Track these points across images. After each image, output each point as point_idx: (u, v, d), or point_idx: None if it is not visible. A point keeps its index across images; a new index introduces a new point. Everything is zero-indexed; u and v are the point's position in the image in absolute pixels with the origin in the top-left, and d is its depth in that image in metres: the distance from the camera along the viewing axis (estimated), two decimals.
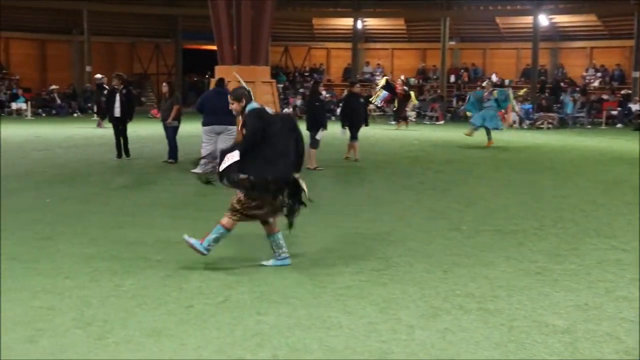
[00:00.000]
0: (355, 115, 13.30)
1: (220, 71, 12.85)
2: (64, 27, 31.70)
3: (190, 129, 15.07)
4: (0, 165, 11.30)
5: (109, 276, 5.25)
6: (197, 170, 11.29)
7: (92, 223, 7.23)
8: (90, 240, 6.42)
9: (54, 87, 28.71)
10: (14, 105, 26.85)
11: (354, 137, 13.38)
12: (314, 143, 12.05)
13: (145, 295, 4.81)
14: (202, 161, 11.34)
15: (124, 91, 13.06)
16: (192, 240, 5.57)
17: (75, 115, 27.82)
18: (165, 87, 12.98)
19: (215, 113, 11.58)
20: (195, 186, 10.00)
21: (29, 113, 26.03)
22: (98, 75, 21.73)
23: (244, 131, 5.68)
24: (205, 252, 5.56)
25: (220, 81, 11.85)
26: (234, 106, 5.82)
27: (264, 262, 5.69)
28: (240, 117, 5.92)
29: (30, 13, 30.12)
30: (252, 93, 6.01)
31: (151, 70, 34.11)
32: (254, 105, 5.83)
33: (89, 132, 19.18)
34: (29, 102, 26.63)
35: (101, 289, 4.94)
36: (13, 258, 5.71)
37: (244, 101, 5.79)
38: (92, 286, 5.00)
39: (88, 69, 30.10)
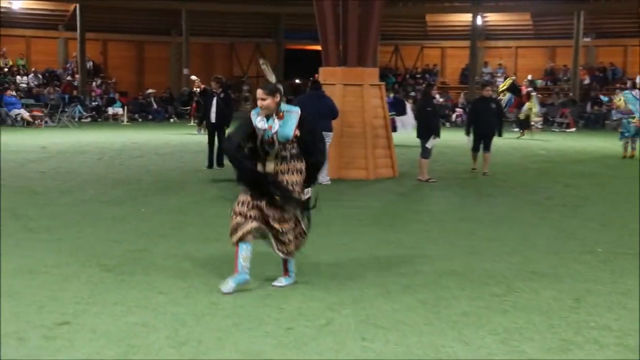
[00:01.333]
0: (484, 123, 12.80)
1: (324, 73, 13.01)
2: (163, 27, 33.14)
3: None
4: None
5: (205, 293, 5.41)
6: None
7: (188, 235, 7.48)
8: (185, 254, 6.64)
9: (150, 90, 30.04)
10: (110, 110, 28.30)
11: (485, 147, 12.92)
12: (425, 152, 11.94)
13: (242, 315, 4.91)
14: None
15: (222, 95, 13.29)
16: (284, 282, 5.66)
17: (171, 120, 28.99)
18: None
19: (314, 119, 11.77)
20: None
21: (125, 118, 27.36)
22: (193, 77, 22.39)
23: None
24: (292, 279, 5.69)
25: (316, 83, 12.01)
26: (267, 102, 5.36)
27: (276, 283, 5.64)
28: (275, 117, 5.40)
29: (129, 13, 31.70)
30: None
31: (251, 73, 35.02)
32: (290, 106, 5.54)
33: (185, 138, 19.91)
34: (125, 107, 27.97)
35: (196, 306, 5.09)
36: (108, 270, 5.99)
37: (279, 97, 5.41)
38: (187, 303, 5.16)
39: (185, 71, 31.27)
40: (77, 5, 29.69)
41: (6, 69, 29.54)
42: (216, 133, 13.07)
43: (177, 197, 10.10)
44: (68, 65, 31.63)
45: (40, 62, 31.10)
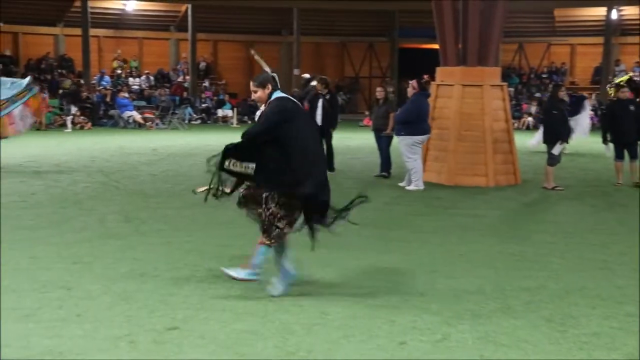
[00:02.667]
0: (623, 128, 12.07)
1: (441, 73, 12.90)
2: (273, 27, 33.84)
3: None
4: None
5: (314, 302, 5.48)
6: (411, 187, 11.50)
7: (297, 242, 7.59)
8: (295, 262, 6.74)
9: None
10: (220, 112, 29.15)
11: (632, 155, 12.24)
12: (552, 159, 11.60)
13: (352, 326, 4.94)
14: (415, 176, 11.56)
15: (327, 96, 13.41)
16: (243, 274, 5.70)
17: None
18: (380, 92, 13.23)
19: (425, 120, 11.77)
20: (411, 205, 10.15)
21: (234, 120, 28.09)
22: (306, 75, 22.52)
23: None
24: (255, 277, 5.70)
25: (425, 84, 11.97)
26: (258, 94, 5.70)
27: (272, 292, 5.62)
28: (263, 107, 5.84)
29: (239, 13, 32.56)
30: (277, 79, 5.79)
31: (363, 73, 35.16)
32: (279, 94, 5.71)
33: None
34: (235, 109, 28.73)
35: (306, 315, 5.17)
36: (217, 275, 6.18)
37: (270, 88, 5.68)
38: (297, 311, 5.25)
39: (296, 71, 31.78)
40: (189, 5, 30.79)
41: (119, 71, 31.00)
42: (323, 136, 13.24)
43: None
44: (178, 67, 32.82)
45: (152, 63, 32.44)
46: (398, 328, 4.93)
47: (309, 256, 6.93)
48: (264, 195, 5.54)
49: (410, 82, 12.28)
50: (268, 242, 5.64)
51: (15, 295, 5.54)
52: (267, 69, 5.84)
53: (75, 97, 26.21)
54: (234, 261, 6.67)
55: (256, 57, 6.03)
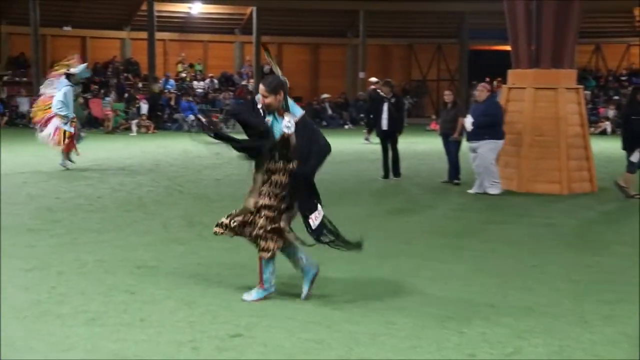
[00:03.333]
0: None
1: (513, 76, 12.70)
2: (339, 29, 33.91)
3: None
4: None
5: (381, 311, 5.45)
6: (493, 190, 11.38)
7: (364, 249, 7.57)
8: (362, 268, 6.73)
9: (325, 95, 30.84)
10: None
11: None
12: (631, 166, 11.28)
13: (420, 337, 4.89)
14: (494, 179, 11.44)
15: (392, 100, 13.36)
16: (254, 295, 5.64)
17: (346, 127, 29.55)
18: (448, 96, 13.13)
19: (502, 124, 11.69)
20: (481, 212, 10.01)
21: None
22: (373, 79, 22.47)
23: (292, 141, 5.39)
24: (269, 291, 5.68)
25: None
26: (269, 100, 5.34)
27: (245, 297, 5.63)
28: (271, 116, 5.45)
29: (305, 15, 32.76)
30: (288, 85, 5.49)
31: (430, 76, 34.93)
32: (297, 107, 5.51)
33: (360, 147, 20.20)
34: None
35: (372, 325, 5.14)
36: (283, 282, 6.20)
37: (282, 94, 5.38)
38: (363, 321, 5.22)
39: (361, 75, 31.80)
40: (254, 8, 31.14)
41: (184, 74, 31.56)
42: (389, 141, 13.26)
43: (352, 209, 10.23)
44: (243, 70, 33.22)
45: (216, 66, 32.92)
46: (467, 340, 4.86)
47: (375, 264, 6.91)
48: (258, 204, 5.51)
49: (482, 84, 12.16)
50: (267, 255, 5.60)
51: (83, 298, 5.67)
52: (278, 72, 5.59)
53: (156, 102, 26.79)
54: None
55: (268, 58, 5.81)
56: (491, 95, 11.99)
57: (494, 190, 11.44)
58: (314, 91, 33.28)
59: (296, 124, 5.46)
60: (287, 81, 5.53)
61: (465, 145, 12.25)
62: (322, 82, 33.99)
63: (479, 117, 11.48)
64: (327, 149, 5.64)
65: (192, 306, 5.51)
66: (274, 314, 5.35)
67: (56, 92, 13.06)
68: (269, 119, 5.48)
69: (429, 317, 5.32)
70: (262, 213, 5.54)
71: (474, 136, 11.59)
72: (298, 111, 5.52)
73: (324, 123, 29.73)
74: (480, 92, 11.77)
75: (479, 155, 11.50)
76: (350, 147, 19.98)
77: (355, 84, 32.66)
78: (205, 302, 5.62)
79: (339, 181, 13.19)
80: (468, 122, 11.62)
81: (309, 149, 5.52)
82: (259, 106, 5.50)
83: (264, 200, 5.55)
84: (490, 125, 11.43)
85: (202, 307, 5.50)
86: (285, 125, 5.44)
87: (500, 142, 11.54)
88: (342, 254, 7.24)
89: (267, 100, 5.40)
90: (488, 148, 11.44)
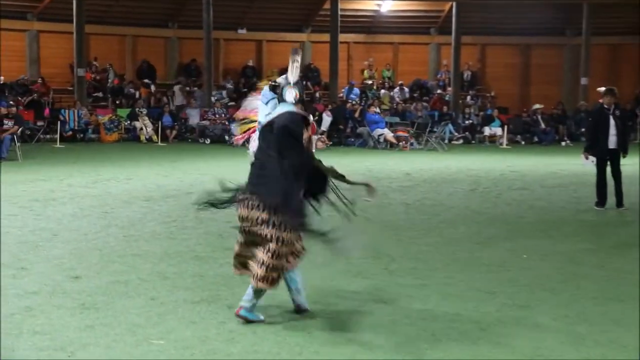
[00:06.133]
0: None
1: None
2: (556, 27, 33.02)
3: None
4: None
5: None
6: None
7: (582, 291, 7.34)
8: (579, 315, 6.53)
9: (537, 106, 30.01)
10: (486, 130, 28.91)
11: None
12: None
13: None
14: None
15: (616, 112, 12.76)
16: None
17: (563, 144, 28.68)
18: None
19: None
20: None
21: (504, 140, 27.76)
22: (602, 89, 21.56)
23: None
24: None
25: None
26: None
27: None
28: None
29: (513, 11, 32.21)
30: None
31: None
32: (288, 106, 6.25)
33: (579, 168, 19.52)
34: (506, 126, 28.35)
35: None
36: (482, 329, 6.12)
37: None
38: None
39: (583, 81, 30.77)
40: (453, 3, 30.93)
41: (370, 82, 31.99)
42: (611, 162, 12.71)
43: (568, 242, 9.97)
44: (438, 76, 33.15)
45: (407, 72, 33.09)
46: None
47: (598, 310, 6.65)
48: (269, 235, 6.04)
49: None
50: (264, 286, 6.12)
51: (255, 337, 5.88)
52: (292, 77, 6.40)
53: (340, 114, 27.43)
54: (503, 312, 6.59)
55: (295, 62, 6.53)
56: None
57: None
58: (524, 101, 32.61)
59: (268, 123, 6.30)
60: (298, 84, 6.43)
61: None
62: (533, 89, 33.24)
63: None
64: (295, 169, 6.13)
65: (375, 351, 5.58)
66: None
67: (261, 105, 13.67)
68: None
69: None
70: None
71: None
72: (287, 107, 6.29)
73: (535, 139, 29.05)
74: None
75: None
76: (567, 168, 19.40)
77: (576, 93, 31.65)
78: (390, 347, 5.67)
79: (553, 208, 12.88)
80: None
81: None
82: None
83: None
84: None
85: (387, 353, 5.55)
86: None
87: None
88: (550, 295, 7.09)
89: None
90: None
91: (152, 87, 29.66)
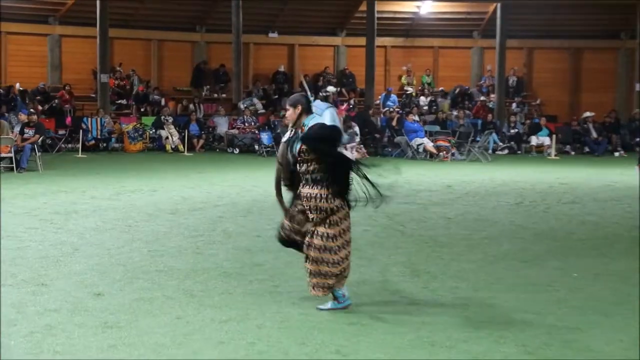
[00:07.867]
0: None
1: None
2: (609, 29, 32.78)
3: None
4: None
5: None
6: None
7: (637, 314, 7.26)
8: (633, 340, 6.45)
9: (588, 114, 29.80)
10: (533, 140, 28.75)
11: None
12: None
13: None
14: None
15: None
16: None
17: (616, 154, 28.47)
18: None
19: None
20: None
21: (552, 150, 27.59)
22: None
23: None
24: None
25: None
26: (289, 112, 7.25)
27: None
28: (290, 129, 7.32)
29: (563, 13, 32.04)
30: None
31: None
32: (318, 118, 7.02)
33: (634, 181, 19.38)
34: (554, 136, 28.17)
35: None
36: (529, 352, 6.07)
37: (300, 109, 7.14)
38: None
39: (638, 87, 30.54)
40: (498, 5, 30.83)
41: (409, 88, 32.00)
42: None
43: (622, 260, 9.86)
44: (482, 82, 33.05)
45: (448, 78, 33.08)
46: None
47: None
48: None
49: None
50: (320, 293, 7.18)
51: (285, 358, 5.89)
52: (308, 91, 7.53)
53: (366, 121, 27.33)
54: (553, 336, 6.54)
55: (304, 83, 8.39)
56: None
57: None
58: (574, 108, 32.44)
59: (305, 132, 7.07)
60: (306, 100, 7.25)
61: None
62: (584, 96, 33.05)
63: None
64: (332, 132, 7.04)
65: None
66: None
67: (317, 118, 13.74)
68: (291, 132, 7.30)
69: None
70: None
71: None
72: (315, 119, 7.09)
73: (586, 149, 28.84)
74: None
75: None
76: (621, 180, 19.25)
77: (630, 100, 31.43)
78: None
79: (606, 224, 12.76)
80: None
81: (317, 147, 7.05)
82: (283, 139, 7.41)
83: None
84: None
85: None
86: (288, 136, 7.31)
87: None
88: (603, 319, 7.03)
89: (288, 113, 7.35)
90: None
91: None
